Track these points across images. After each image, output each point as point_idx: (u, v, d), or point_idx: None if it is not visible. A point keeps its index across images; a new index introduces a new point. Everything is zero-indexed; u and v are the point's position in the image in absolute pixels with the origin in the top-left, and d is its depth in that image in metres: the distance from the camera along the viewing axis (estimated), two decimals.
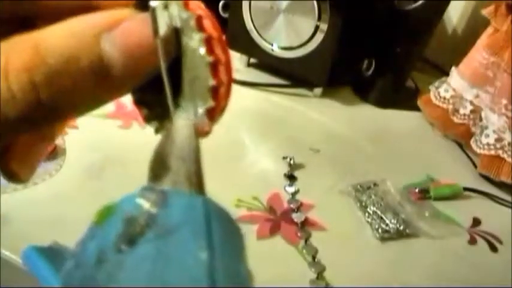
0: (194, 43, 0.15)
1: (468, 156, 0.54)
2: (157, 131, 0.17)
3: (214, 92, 0.16)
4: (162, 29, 0.15)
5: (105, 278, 0.11)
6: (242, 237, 0.14)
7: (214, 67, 0.16)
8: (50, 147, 0.17)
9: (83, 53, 0.14)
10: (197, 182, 0.14)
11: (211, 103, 0.16)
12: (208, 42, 0.15)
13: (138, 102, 0.18)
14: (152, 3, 0.14)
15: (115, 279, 0.11)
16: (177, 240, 0.12)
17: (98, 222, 0.13)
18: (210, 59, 0.15)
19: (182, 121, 0.16)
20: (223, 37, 0.16)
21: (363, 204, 0.44)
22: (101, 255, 0.12)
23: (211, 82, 0.16)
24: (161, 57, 0.15)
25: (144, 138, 0.53)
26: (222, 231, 0.13)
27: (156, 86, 0.15)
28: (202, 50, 0.15)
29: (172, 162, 0.14)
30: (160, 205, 0.12)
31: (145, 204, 0.12)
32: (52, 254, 0.14)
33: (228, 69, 0.16)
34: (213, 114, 0.16)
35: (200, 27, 0.15)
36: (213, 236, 0.12)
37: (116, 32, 0.14)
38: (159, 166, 0.14)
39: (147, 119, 0.18)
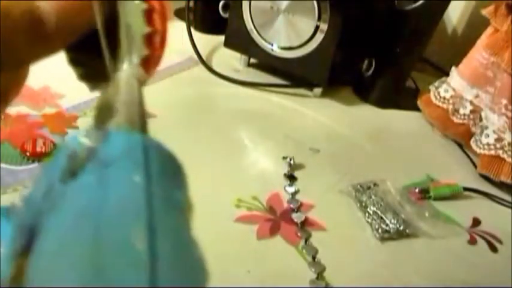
0: None
1: (468, 156, 0.54)
2: (92, 89, 0.18)
3: (149, 40, 0.16)
4: None
5: (49, 208, 0.12)
6: (182, 170, 0.15)
7: (148, 14, 0.16)
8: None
9: (14, 8, 0.14)
10: (140, 124, 0.15)
11: (145, 51, 0.16)
12: None
13: (72, 62, 0.18)
14: None
15: (58, 207, 0.12)
16: (115, 170, 0.13)
17: (47, 162, 0.14)
18: (144, 6, 0.16)
19: (124, 70, 0.16)
20: None
21: (363, 204, 0.44)
22: (48, 190, 0.13)
23: (146, 29, 0.16)
24: (96, 9, 0.15)
25: None
26: (159, 162, 0.14)
27: (91, 44, 0.16)
28: None
29: (115, 107, 0.15)
30: (100, 141, 0.13)
31: (87, 141, 0.13)
32: (8, 210, 0.15)
33: (163, 17, 0.16)
34: (148, 64, 0.16)
35: None
36: (150, 166, 0.13)
37: None
38: (102, 112, 0.15)
39: (82, 78, 0.18)
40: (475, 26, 0.58)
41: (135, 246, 0.11)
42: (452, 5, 0.58)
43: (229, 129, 0.52)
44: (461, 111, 0.55)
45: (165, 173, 0.14)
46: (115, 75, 0.16)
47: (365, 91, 0.63)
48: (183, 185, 0.14)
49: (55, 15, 0.14)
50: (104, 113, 0.15)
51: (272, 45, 0.60)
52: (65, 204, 0.12)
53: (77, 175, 0.13)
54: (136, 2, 0.16)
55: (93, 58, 0.17)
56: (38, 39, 0.15)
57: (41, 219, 0.12)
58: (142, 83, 0.16)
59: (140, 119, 0.15)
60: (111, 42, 0.16)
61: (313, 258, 0.38)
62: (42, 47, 0.15)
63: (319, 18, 0.55)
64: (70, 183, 0.13)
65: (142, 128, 0.15)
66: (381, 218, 0.42)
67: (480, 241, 0.43)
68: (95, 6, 0.15)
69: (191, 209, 0.14)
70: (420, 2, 0.55)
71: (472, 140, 0.53)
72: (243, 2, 0.59)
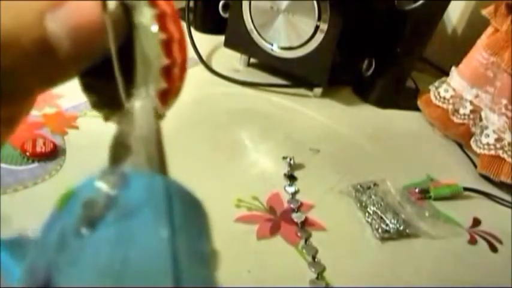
0: (146, 20, 0.14)
1: (468, 156, 0.54)
2: (106, 118, 0.17)
3: (167, 72, 0.15)
4: (112, 5, 0.14)
5: (67, 262, 0.11)
6: (206, 217, 0.14)
7: (167, 45, 0.15)
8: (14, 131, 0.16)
9: (24, 34, 0.13)
10: (158, 163, 0.14)
11: (163, 84, 0.15)
12: (161, 18, 0.14)
13: (86, 88, 0.17)
14: None
15: (76, 263, 0.11)
16: (138, 221, 0.12)
17: (59, 208, 0.13)
18: (162, 36, 0.15)
19: (141, 102, 0.15)
20: (177, 14, 0.15)
21: (363, 204, 0.44)
22: (61, 240, 0.12)
23: (164, 61, 0.15)
24: (111, 35, 0.14)
25: None
26: (183, 210, 0.13)
27: (106, 70, 0.15)
28: (155, 27, 0.14)
29: (132, 144, 0.14)
30: (119, 187, 0.12)
31: (105, 187, 0.12)
32: (16, 245, 0.14)
33: (182, 47, 0.15)
34: (166, 96, 0.15)
35: (152, 3, 0.14)
36: (174, 216, 0.12)
37: (61, 10, 0.13)
38: (119, 149, 0.14)
39: (96, 106, 0.17)
40: (475, 26, 0.58)
41: None
42: (452, 5, 0.58)
43: (229, 129, 0.52)
44: (461, 111, 0.55)
45: (189, 222, 0.13)
46: (130, 108, 0.15)
47: (365, 91, 0.63)
48: (207, 233, 0.13)
49: (68, 41, 0.13)
50: (119, 151, 0.14)
51: (272, 45, 0.60)
52: (83, 259, 0.11)
53: (94, 225, 0.12)
54: (154, 30, 0.14)
55: (108, 85, 0.15)
56: (49, 68, 0.14)
57: (56, 271, 0.11)
58: (159, 116, 0.15)
59: (159, 158, 0.14)
60: (128, 68, 0.15)
61: (313, 258, 0.38)
62: (54, 76, 0.14)
63: (319, 18, 0.55)
64: (88, 235, 0.11)
65: (162, 167, 0.14)
66: (381, 218, 0.42)
67: (480, 241, 0.43)
68: (109, 32, 0.14)
69: (216, 258, 0.13)
70: (420, 2, 0.55)
71: (472, 140, 0.53)
72: (243, 2, 0.59)
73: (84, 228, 0.11)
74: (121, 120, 0.15)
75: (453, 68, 0.57)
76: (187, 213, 0.13)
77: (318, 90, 0.61)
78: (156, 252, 0.11)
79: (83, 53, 0.14)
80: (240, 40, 0.62)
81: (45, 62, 0.13)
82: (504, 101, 0.50)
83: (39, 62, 0.13)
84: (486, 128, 0.51)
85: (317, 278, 0.36)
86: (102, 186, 0.12)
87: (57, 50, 0.13)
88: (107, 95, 0.16)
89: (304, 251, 0.38)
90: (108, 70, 0.15)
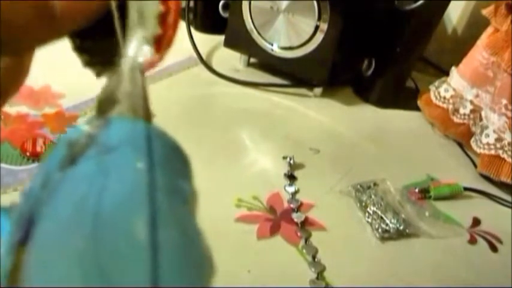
0: None
1: (468, 156, 0.54)
2: (98, 74, 0.18)
3: (162, 19, 0.16)
4: None
5: (47, 195, 0.12)
6: (188, 162, 0.14)
7: None
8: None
9: None
10: (143, 115, 0.15)
11: (158, 30, 0.16)
12: None
13: (78, 49, 0.18)
14: None
15: (56, 196, 0.12)
16: (117, 156, 0.12)
17: (46, 156, 0.13)
18: None
19: (129, 58, 0.16)
20: None
21: (363, 204, 0.44)
22: (46, 179, 0.12)
23: (160, 8, 0.16)
24: None
25: None
26: (163, 151, 0.13)
27: (96, 31, 0.16)
28: None
29: (119, 96, 0.15)
30: (102, 128, 0.13)
31: (88, 128, 0.13)
32: (9, 208, 0.15)
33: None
34: (160, 43, 0.16)
35: None
36: (153, 154, 0.13)
37: None
38: (105, 102, 0.15)
39: (88, 64, 0.18)
40: (475, 26, 0.58)
41: (136, 238, 0.11)
42: (452, 5, 0.58)
43: (229, 129, 0.52)
44: (462, 111, 0.55)
45: (169, 162, 0.13)
46: (118, 65, 0.16)
47: (365, 91, 0.63)
48: (188, 175, 0.14)
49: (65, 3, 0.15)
50: (106, 103, 0.15)
51: (272, 45, 0.60)
52: (63, 192, 0.12)
53: (75, 162, 0.12)
54: None
55: (99, 44, 0.17)
56: (49, 24, 0.15)
57: (39, 209, 0.12)
58: (151, 65, 0.16)
59: (144, 110, 0.15)
60: (121, 26, 0.16)
61: (313, 258, 0.38)
62: (53, 31, 0.15)
63: (319, 18, 0.55)
64: (69, 171, 0.12)
65: (147, 118, 0.15)
66: (381, 217, 0.42)
67: (480, 241, 0.43)
68: None
69: (196, 199, 0.14)
70: (420, 2, 0.55)
71: (472, 139, 0.53)
72: (243, 2, 0.59)
73: (67, 165, 0.12)
74: (110, 74, 0.16)
75: (453, 68, 0.57)
76: (167, 154, 0.13)
77: (318, 90, 0.61)
78: (132, 183, 0.12)
79: (78, 12, 0.15)
80: (240, 40, 0.62)
81: (44, 19, 0.15)
82: (504, 101, 0.50)
83: (39, 20, 0.15)
84: (486, 127, 0.51)
85: (317, 278, 0.36)
86: (86, 128, 0.13)
87: (54, 9, 0.15)
88: (98, 54, 0.17)
89: (304, 251, 0.38)
90: (99, 30, 0.16)
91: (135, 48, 0.16)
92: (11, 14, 0.14)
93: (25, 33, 0.15)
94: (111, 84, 0.15)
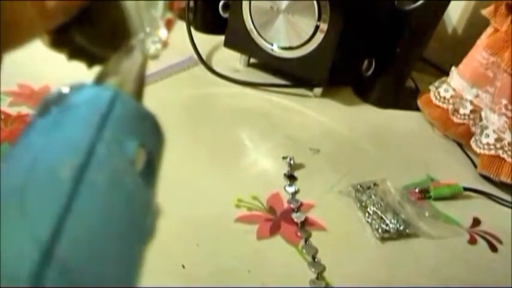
0: None
1: (468, 156, 0.54)
2: (89, 66, 0.20)
3: (171, 4, 0.19)
4: None
5: (13, 147, 0.13)
6: (155, 132, 0.16)
7: None
8: None
9: None
10: (131, 90, 0.16)
11: (169, 15, 0.19)
12: None
13: (56, 43, 0.19)
14: None
15: (20, 138, 0.14)
16: (73, 113, 0.14)
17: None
18: None
19: (137, 41, 0.18)
20: None
21: (363, 204, 0.44)
22: (22, 134, 0.14)
23: None
24: None
25: None
26: (123, 117, 0.15)
27: (71, 26, 0.18)
28: None
29: (115, 70, 0.16)
30: (74, 89, 0.15)
31: (63, 90, 0.15)
32: None
33: None
34: (170, 24, 0.19)
35: None
36: (109, 115, 0.14)
37: None
38: (104, 73, 0.16)
39: (72, 57, 0.20)
40: (475, 26, 0.58)
41: (59, 174, 0.12)
42: (452, 5, 0.58)
43: (229, 129, 0.52)
44: (461, 111, 0.55)
45: (125, 125, 0.14)
46: (129, 44, 0.18)
47: (365, 91, 0.63)
48: (146, 140, 0.15)
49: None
50: (104, 74, 0.16)
51: (272, 45, 0.60)
52: (24, 137, 0.13)
53: (42, 115, 0.14)
54: None
55: (74, 38, 0.18)
56: (42, 14, 0.16)
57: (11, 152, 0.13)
58: (155, 56, 0.19)
59: (134, 87, 0.16)
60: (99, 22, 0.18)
61: (313, 258, 0.38)
62: (45, 20, 0.17)
63: (319, 18, 0.55)
64: (33, 121, 0.14)
65: (135, 95, 0.16)
66: (381, 218, 0.42)
67: (480, 241, 0.43)
68: None
69: (139, 160, 0.15)
70: (420, 2, 0.55)
71: (472, 140, 0.53)
72: (243, 2, 0.59)
73: (36, 116, 0.14)
74: (123, 51, 0.18)
75: (453, 68, 0.57)
76: (126, 120, 0.15)
77: (318, 90, 0.61)
78: (76, 136, 0.13)
79: (65, 10, 0.17)
80: (240, 40, 0.62)
81: (38, 10, 0.16)
82: (504, 101, 0.50)
83: (35, 11, 0.16)
84: (486, 128, 0.51)
85: (317, 278, 0.36)
86: (61, 89, 0.15)
87: (48, 8, 0.16)
88: (77, 47, 0.19)
89: (304, 251, 0.38)
90: (75, 24, 0.18)
91: (145, 33, 0.18)
92: (12, 13, 0.15)
93: (24, 30, 0.16)
94: (115, 59, 0.17)
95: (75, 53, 0.19)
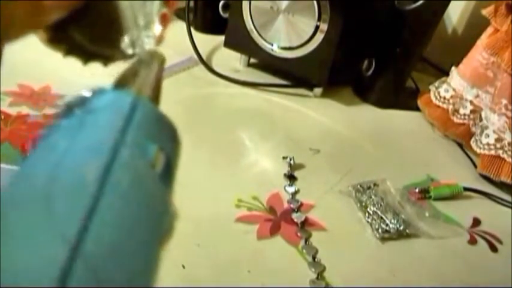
0: None
1: (468, 156, 0.54)
2: (85, 62, 0.20)
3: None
4: None
5: (41, 147, 0.14)
6: (172, 136, 0.17)
7: None
8: None
9: None
10: (148, 95, 0.17)
11: (164, 10, 0.20)
12: None
13: (52, 40, 0.20)
14: None
15: (43, 139, 0.14)
16: (96, 116, 0.14)
17: None
18: None
19: (149, 50, 0.19)
20: None
21: (363, 204, 0.44)
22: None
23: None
24: None
25: None
26: (144, 121, 0.15)
27: (67, 23, 0.18)
28: None
29: (133, 77, 0.17)
30: (96, 93, 0.15)
31: (84, 93, 0.15)
32: None
33: None
34: (166, 20, 0.20)
35: None
36: (132, 120, 0.14)
37: None
38: (123, 78, 0.17)
39: (69, 53, 0.20)
40: (475, 26, 0.58)
41: (84, 176, 0.12)
42: (452, 5, 0.58)
43: (229, 129, 0.52)
44: (462, 111, 0.55)
45: (146, 129, 0.15)
46: (141, 52, 0.19)
47: (365, 91, 0.63)
48: (165, 145, 0.16)
49: None
50: (123, 80, 0.17)
51: (272, 45, 0.60)
52: (47, 137, 0.14)
53: (64, 117, 0.14)
54: None
55: (71, 35, 0.19)
56: (37, 11, 0.16)
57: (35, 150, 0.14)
58: (161, 39, 0.19)
59: (151, 93, 0.17)
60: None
61: (313, 258, 0.38)
62: (40, 16, 0.17)
63: (319, 18, 0.55)
64: (57, 123, 0.14)
65: (152, 99, 0.17)
66: (381, 218, 0.42)
67: (480, 241, 0.43)
68: None
69: (158, 163, 0.15)
70: (420, 2, 0.55)
71: (472, 140, 0.53)
72: (243, 2, 0.59)
73: (58, 119, 0.14)
74: (134, 61, 0.18)
75: (453, 68, 0.57)
76: (147, 123, 0.15)
77: (318, 90, 0.61)
78: (101, 137, 0.13)
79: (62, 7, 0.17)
80: (240, 40, 0.62)
81: (33, 6, 0.16)
82: (504, 101, 0.50)
83: (30, 6, 0.16)
84: (486, 128, 0.51)
85: (317, 278, 0.36)
86: (83, 93, 0.15)
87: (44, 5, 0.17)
88: (74, 43, 0.19)
89: (304, 251, 0.38)
90: (76, 19, 0.18)
91: (138, 28, 0.19)
92: (5, 8, 0.15)
93: (17, 25, 0.16)
94: (134, 65, 0.18)
95: (71, 49, 0.20)
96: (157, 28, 0.20)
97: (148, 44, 0.20)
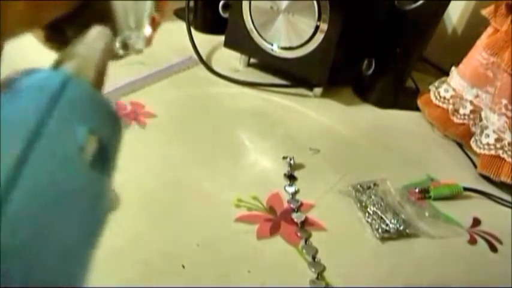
0: None
1: (468, 156, 0.54)
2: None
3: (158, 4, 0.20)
4: None
5: None
6: (111, 118, 0.15)
7: None
8: None
9: None
10: (89, 77, 0.16)
11: (154, 14, 0.20)
12: None
13: (49, 39, 0.20)
14: None
15: None
16: (22, 95, 0.13)
17: None
18: None
19: (97, 29, 0.18)
20: None
21: (363, 204, 0.44)
22: None
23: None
24: None
25: (144, 138, 0.53)
26: (76, 99, 0.14)
27: (66, 20, 0.18)
28: None
29: (73, 56, 0.16)
30: (25, 73, 0.14)
31: (14, 75, 0.14)
32: None
33: None
34: (154, 23, 0.20)
35: None
36: (59, 99, 0.14)
37: None
38: (62, 58, 0.16)
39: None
40: (475, 26, 0.58)
41: (4, 152, 0.11)
42: (452, 5, 0.58)
43: (229, 129, 0.52)
44: (461, 111, 0.55)
45: (75, 111, 0.14)
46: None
47: (365, 91, 0.63)
48: (99, 128, 0.15)
49: None
50: (62, 60, 0.16)
51: (272, 45, 0.60)
52: None
53: None
54: None
55: (67, 34, 0.19)
56: (35, 8, 0.16)
57: None
58: (157, 24, 0.19)
59: (93, 74, 0.16)
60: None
61: (313, 258, 0.38)
62: (40, 12, 0.17)
63: (319, 18, 0.55)
64: None
65: (96, 83, 0.16)
66: (381, 218, 0.42)
67: (480, 241, 0.43)
68: None
69: (88, 147, 0.14)
70: (420, 2, 0.55)
71: (472, 140, 0.53)
72: (243, 2, 0.59)
73: None
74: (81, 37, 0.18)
75: (453, 68, 0.57)
76: (78, 105, 0.14)
77: (318, 90, 0.61)
78: (23, 119, 0.13)
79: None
80: (240, 40, 0.62)
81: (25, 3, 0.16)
82: (504, 101, 0.50)
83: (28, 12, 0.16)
84: (486, 128, 0.51)
85: (317, 278, 0.36)
86: (13, 74, 0.14)
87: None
88: (70, 42, 0.19)
89: (304, 251, 0.38)
90: (73, 18, 0.18)
91: (129, 29, 0.19)
92: (11, 6, 0.15)
93: (12, 22, 0.16)
94: (75, 44, 0.17)
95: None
96: (147, 30, 0.21)
97: (139, 45, 0.21)
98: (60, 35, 0.19)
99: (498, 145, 0.50)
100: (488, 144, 0.50)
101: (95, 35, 0.17)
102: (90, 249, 0.13)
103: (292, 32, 0.58)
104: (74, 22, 0.19)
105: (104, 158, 0.14)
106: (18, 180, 0.11)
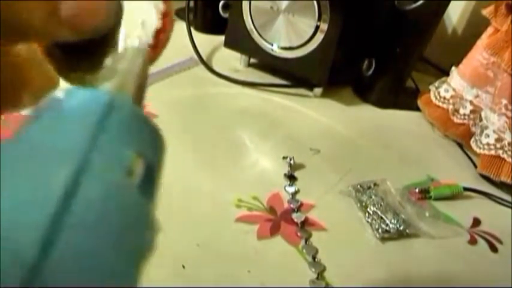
0: None
1: (468, 156, 0.54)
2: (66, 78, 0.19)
3: (157, 35, 0.18)
4: None
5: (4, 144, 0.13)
6: (156, 139, 0.15)
7: (164, 16, 0.18)
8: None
9: None
10: (131, 94, 0.15)
11: (152, 41, 0.18)
12: None
13: (66, 68, 0.19)
14: None
15: (13, 141, 0.13)
16: (67, 119, 0.13)
17: None
18: (163, 8, 0.18)
19: (134, 41, 0.17)
20: None
21: (363, 204, 0.44)
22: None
23: (159, 24, 0.18)
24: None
25: None
26: (121, 121, 0.14)
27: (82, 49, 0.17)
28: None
29: (113, 73, 0.16)
30: (67, 94, 0.14)
31: (57, 94, 0.14)
32: None
33: (171, 21, 0.19)
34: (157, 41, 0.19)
35: None
36: (105, 122, 0.13)
37: None
38: (101, 76, 0.16)
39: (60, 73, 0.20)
40: (475, 26, 0.58)
41: (48, 182, 0.11)
42: (452, 5, 0.58)
43: (229, 129, 0.52)
44: (462, 111, 0.55)
45: (122, 133, 0.13)
46: (125, 46, 0.17)
47: (365, 91, 0.63)
48: (145, 150, 0.14)
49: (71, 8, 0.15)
50: (101, 78, 0.16)
51: (272, 45, 0.60)
52: (18, 138, 0.13)
53: (37, 119, 0.13)
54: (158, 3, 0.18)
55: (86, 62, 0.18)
56: (51, 21, 0.15)
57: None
58: (150, 60, 0.18)
59: (134, 91, 0.15)
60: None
61: (313, 258, 0.38)
62: (55, 30, 0.15)
63: (319, 18, 0.55)
64: (27, 125, 0.13)
65: (136, 99, 0.15)
66: (381, 218, 0.42)
67: (480, 241, 0.43)
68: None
69: (136, 171, 0.14)
70: (420, 2, 0.55)
71: (472, 140, 0.53)
72: (243, 2, 0.59)
73: (22, 126, 0.13)
74: (118, 54, 0.17)
75: (453, 68, 0.57)
76: (123, 129, 0.14)
77: (318, 90, 0.61)
78: (68, 141, 0.12)
79: (79, 25, 0.15)
80: (240, 40, 0.62)
81: (48, 14, 0.15)
82: (504, 101, 0.50)
83: (44, 13, 0.15)
84: (486, 128, 0.51)
85: (317, 278, 0.36)
86: (56, 94, 0.14)
87: (60, 8, 0.15)
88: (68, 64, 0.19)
89: (304, 251, 0.38)
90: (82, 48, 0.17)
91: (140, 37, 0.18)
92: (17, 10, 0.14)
93: (34, 31, 0.15)
94: (112, 61, 0.16)
95: (60, 68, 0.19)
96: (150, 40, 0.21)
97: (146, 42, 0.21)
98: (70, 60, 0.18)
99: (498, 145, 0.50)
100: (488, 144, 0.50)
101: (134, 51, 0.17)
102: (137, 275, 0.12)
103: (292, 32, 0.58)
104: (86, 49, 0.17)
105: (150, 181, 0.14)
106: (64, 219, 0.11)
